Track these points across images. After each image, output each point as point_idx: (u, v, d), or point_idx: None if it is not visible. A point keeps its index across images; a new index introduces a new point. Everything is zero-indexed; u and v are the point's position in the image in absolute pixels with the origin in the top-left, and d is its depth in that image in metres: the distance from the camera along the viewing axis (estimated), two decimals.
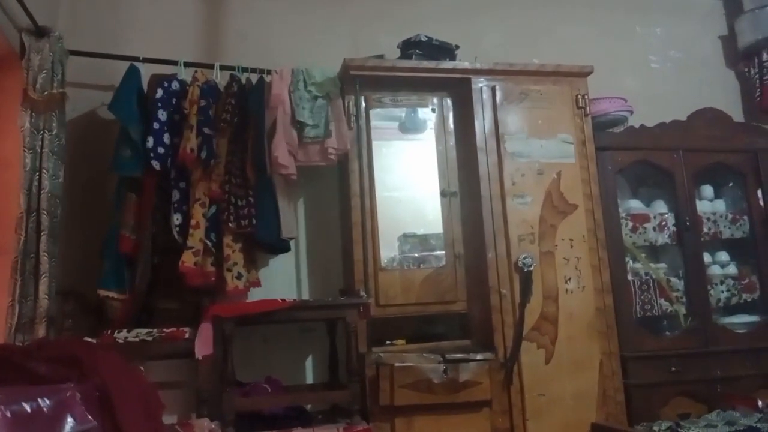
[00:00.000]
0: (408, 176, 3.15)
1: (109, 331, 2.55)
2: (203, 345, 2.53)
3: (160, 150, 2.78)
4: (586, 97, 3.25)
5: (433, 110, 3.20)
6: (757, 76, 4.09)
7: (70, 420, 1.08)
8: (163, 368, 2.58)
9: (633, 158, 3.39)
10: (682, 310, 3.31)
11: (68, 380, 1.14)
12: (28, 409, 0.99)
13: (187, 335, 2.58)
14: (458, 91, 3.20)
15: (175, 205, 2.79)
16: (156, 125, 2.79)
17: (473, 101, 3.13)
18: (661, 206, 3.47)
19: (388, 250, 3.01)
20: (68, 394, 1.10)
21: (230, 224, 2.82)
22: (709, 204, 3.58)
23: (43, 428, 1.01)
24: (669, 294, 3.31)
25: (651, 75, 4.06)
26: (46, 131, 2.67)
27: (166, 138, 2.81)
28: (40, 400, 1.02)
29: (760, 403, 2.66)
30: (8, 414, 0.93)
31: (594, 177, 3.19)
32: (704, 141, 3.50)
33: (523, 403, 2.85)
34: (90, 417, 1.12)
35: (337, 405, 2.82)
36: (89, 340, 2.30)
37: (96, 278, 2.72)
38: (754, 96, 4.08)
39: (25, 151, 2.61)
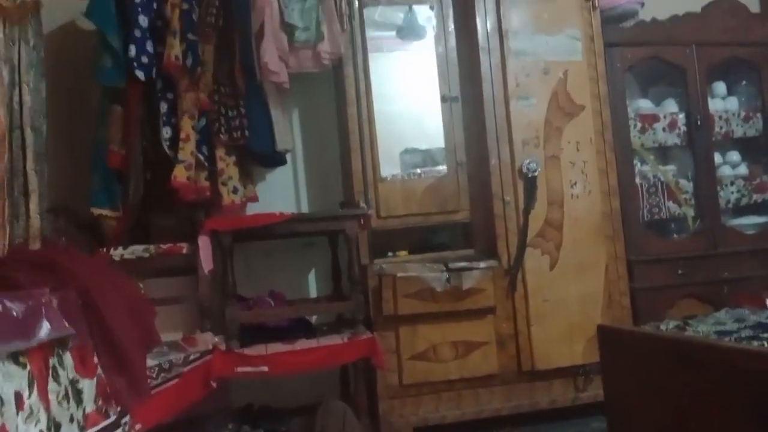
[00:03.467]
0: (408, 87, 3.02)
1: (104, 249, 2.51)
2: (207, 259, 2.48)
3: (144, 59, 2.63)
4: None
5: (431, 7, 3.01)
6: None
7: (45, 325, 1.03)
8: (162, 285, 2.54)
9: (643, 54, 3.22)
10: (691, 212, 3.23)
11: (45, 287, 1.08)
12: None
13: (184, 251, 2.53)
14: None
15: (164, 118, 2.68)
16: (137, 32, 2.63)
17: None
18: (671, 105, 3.33)
19: (390, 167, 2.92)
20: (44, 300, 1.04)
21: (221, 136, 2.70)
22: (721, 102, 3.43)
23: (13, 331, 0.96)
24: (677, 196, 3.22)
25: None
26: (22, 43, 2.53)
27: (149, 46, 2.66)
28: (9, 303, 0.97)
29: None
30: None
31: (602, 75, 3.03)
32: (719, 34, 3.30)
33: (527, 308, 2.83)
34: (66, 324, 1.06)
35: (342, 316, 2.81)
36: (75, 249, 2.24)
37: (87, 195, 2.64)
38: None
39: (1, 63, 2.47)
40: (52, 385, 1.17)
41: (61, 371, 1.20)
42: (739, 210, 3.40)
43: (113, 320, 1.27)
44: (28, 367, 1.08)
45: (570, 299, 2.87)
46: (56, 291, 1.08)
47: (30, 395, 1.10)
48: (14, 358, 1.07)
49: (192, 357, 2.24)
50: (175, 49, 2.61)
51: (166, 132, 2.67)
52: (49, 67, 2.68)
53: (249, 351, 2.44)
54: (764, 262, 3.19)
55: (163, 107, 2.68)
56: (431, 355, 2.71)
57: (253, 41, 2.72)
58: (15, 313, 0.96)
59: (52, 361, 1.17)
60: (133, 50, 2.60)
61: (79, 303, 1.19)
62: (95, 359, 1.28)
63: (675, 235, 3.28)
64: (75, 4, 2.91)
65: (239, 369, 2.37)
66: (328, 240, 3.01)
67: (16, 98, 2.50)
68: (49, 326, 1.03)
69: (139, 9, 2.64)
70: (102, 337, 1.25)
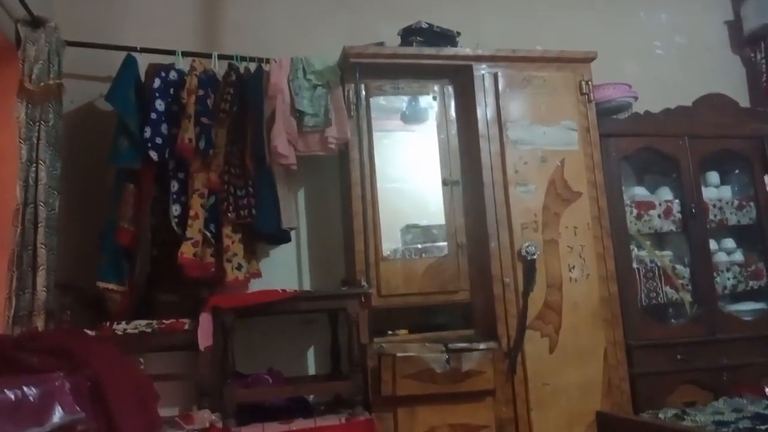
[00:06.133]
0: (410, 167, 3.13)
1: (108, 324, 2.53)
2: (204, 336, 2.51)
3: (158, 140, 2.75)
4: (589, 83, 3.20)
5: (434, 98, 3.16)
6: (763, 61, 4.05)
7: (58, 409, 1.06)
8: (162, 360, 2.55)
9: (638, 145, 3.35)
10: (688, 297, 3.27)
11: (59, 371, 1.11)
12: (12, 397, 0.96)
13: (186, 327, 2.56)
14: (460, 78, 3.16)
15: (174, 196, 2.77)
16: (153, 115, 2.76)
17: (475, 88, 3.09)
18: (666, 193, 3.43)
19: (391, 242, 2.98)
20: (57, 384, 1.08)
21: (229, 215, 2.79)
22: (715, 190, 3.54)
23: (30, 417, 0.99)
24: (674, 282, 3.27)
25: (656, 61, 4.00)
26: (42, 122, 2.65)
27: (164, 128, 2.79)
28: (26, 388, 1.00)
29: (767, 390, 2.62)
30: None
31: (598, 164, 3.14)
32: (710, 127, 3.44)
33: (527, 392, 2.82)
34: (78, 408, 1.09)
35: (340, 396, 2.80)
36: (86, 331, 2.27)
37: (94, 270, 2.69)
38: (761, 81, 4.04)
39: (21, 142, 2.58)
40: None
41: None
42: (736, 296, 3.43)
43: (119, 407, 1.29)
44: None
45: (570, 384, 2.86)
46: (69, 375, 1.12)
47: None
48: None
49: None
50: (189, 132, 2.73)
51: (176, 209, 2.75)
52: (66, 146, 2.80)
53: (246, 430, 2.43)
54: (762, 349, 3.20)
55: (174, 186, 2.77)
56: None
57: (264, 127, 2.84)
58: (31, 399, 1.00)
59: None
60: (148, 132, 2.73)
61: (88, 387, 1.22)
62: None
63: (673, 320, 3.30)
64: (95, 86, 3.07)
65: None
66: (328, 318, 3.04)
67: (32, 175, 2.60)
68: (62, 411, 1.06)
69: (157, 94, 2.78)
70: (106, 423, 1.27)
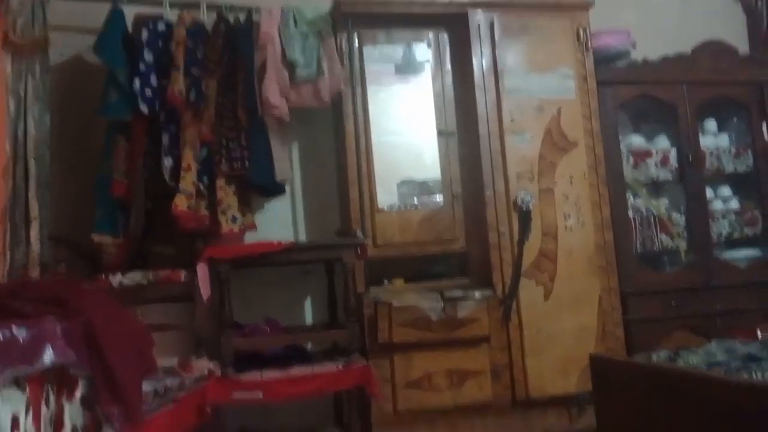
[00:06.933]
0: (405, 119, 3.09)
1: (104, 276, 2.54)
2: (205, 286, 2.52)
3: (148, 92, 2.71)
4: (587, 30, 3.14)
5: (428, 45, 3.10)
6: (764, 7, 3.95)
7: (48, 351, 1.06)
8: (159, 311, 2.57)
9: (635, 93, 3.32)
10: (683, 245, 3.28)
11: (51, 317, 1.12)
12: (0, 337, 0.97)
13: (182, 278, 2.56)
14: (455, 26, 3.10)
15: (166, 149, 2.74)
16: (142, 67, 2.72)
17: (470, 36, 3.03)
18: (663, 141, 3.40)
19: (387, 196, 2.97)
20: (48, 327, 1.08)
21: (222, 167, 2.77)
22: (712, 138, 3.51)
23: (19, 357, 1.00)
24: (670, 229, 3.27)
25: (654, 7, 3.90)
26: (29, 76, 2.60)
27: (153, 80, 2.74)
28: (15, 329, 1.01)
29: (760, 334, 2.65)
30: None
31: (595, 113, 3.12)
32: (708, 74, 3.40)
33: (521, 339, 2.86)
34: (71, 351, 1.10)
35: (337, 344, 2.84)
36: (80, 280, 2.28)
37: (88, 224, 2.69)
38: (761, 28, 3.95)
39: (8, 96, 2.55)
40: (44, 409, 1.20)
41: (52, 396, 1.24)
42: (731, 243, 3.44)
43: (113, 351, 1.30)
44: (27, 391, 1.11)
45: (564, 330, 2.90)
46: (61, 320, 1.12)
47: (26, 419, 1.14)
48: (15, 381, 1.10)
49: (188, 383, 2.26)
50: (178, 83, 2.69)
51: (168, 162, 2.73)
52: (56, 100, 2.76)
53: (244, 377, 2.46)
54: (756, 296, 3.23)
55: (166, 139, 2.75)
56: (426, 384, 2.72)
57: (256, 77, 2.80)
58: (21, 340, 1.00)
59: (47, 386, 1.21)
60: (137, 84, 2.69)
61: (82, 332, 1.23)
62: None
63: (668, 268, 3.32)
64: (83, 38, 3.00)
65: (235, 395, 2.39)
66: (324, 268, 3.05)
67: (21, 130, 2.57)
68: (52, 353, 1.07)
69: (146, 46, 2.73)
70: (100, 368, 1.28)
